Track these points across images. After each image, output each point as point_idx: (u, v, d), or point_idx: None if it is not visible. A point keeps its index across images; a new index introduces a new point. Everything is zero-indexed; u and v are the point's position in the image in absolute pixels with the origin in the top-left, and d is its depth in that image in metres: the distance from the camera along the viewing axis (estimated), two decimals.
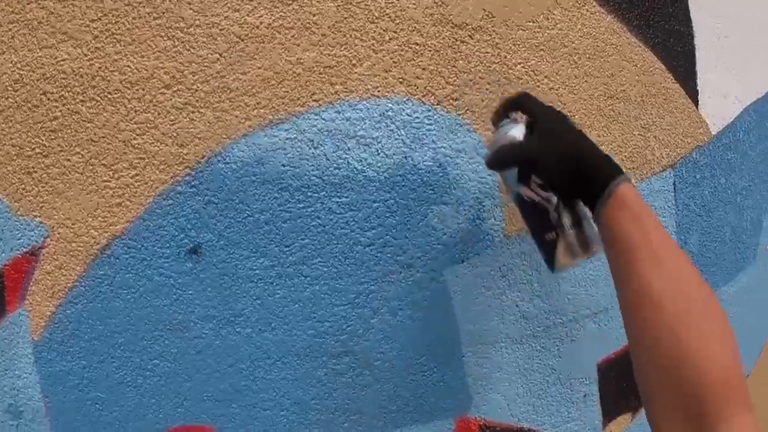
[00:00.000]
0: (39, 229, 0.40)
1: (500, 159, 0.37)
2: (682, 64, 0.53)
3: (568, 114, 0.39)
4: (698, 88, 0.53)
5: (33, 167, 0.40)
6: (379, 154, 0.40)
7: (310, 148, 0.39)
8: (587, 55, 0.46)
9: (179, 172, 0.38)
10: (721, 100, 0.54)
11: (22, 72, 0.39)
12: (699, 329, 0.28)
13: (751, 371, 0.65)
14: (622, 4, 0.48)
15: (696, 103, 0.53)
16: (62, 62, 0.39)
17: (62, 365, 0.41)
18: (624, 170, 0.33)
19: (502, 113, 0.38)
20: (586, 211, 0.36)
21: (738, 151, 0.55)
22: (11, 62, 0.39)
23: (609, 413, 0.54)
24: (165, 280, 0.39)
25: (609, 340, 0.51)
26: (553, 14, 0.45)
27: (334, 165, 0.39)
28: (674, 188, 0.52)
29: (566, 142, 0.34)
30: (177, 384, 0.41)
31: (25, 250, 0.41)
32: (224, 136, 0.38)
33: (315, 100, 0.39)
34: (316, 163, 0.39)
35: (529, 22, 0.44)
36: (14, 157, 0.40)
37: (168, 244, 0.39)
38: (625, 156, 0.49)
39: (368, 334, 0.42)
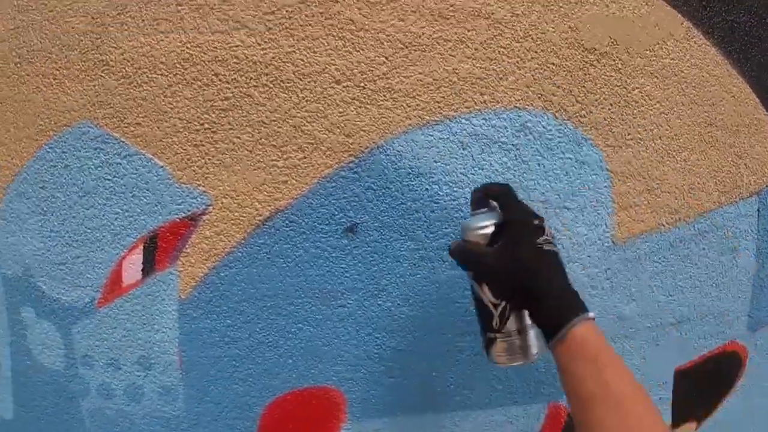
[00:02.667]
0: (201, 197, 0.51)
1: (460, 257, 0.40)
2: None
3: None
4: None
5: (201, 141, 0.50)
6: (517, 159, 0.51)
7: (459, 149, 0.50)
8: (693, 84, 0.58)
9: (344, 158, 0.49)
10: None
11: (191, 52, 0.49)
12: None
13: None
14: (724, 37, 0.59)
15: None
16: (235, 48, 0.49)
17: (206, 323, 0.52)
18: (584, 308, 0.36)
19: (482, 198, 0.41)
20: (532, 323, 0.39)
21: None
22: (179, 41, 0.49)
23: (677, 419, 0.66)
24: (320, 253, 0.50)
25: (688, 350, 0.63)
26: (667, 44, 0.56)
27: (479, 165, 0.51)
28: (758, 214, 0.64)
29: (527, 268, 0.37)
30: (315, 347, 0.52)
31: (184, 215, 0.52)
32: (386, 131, 0.50)
33: (466, 107, 0.50)
34: (463, 162, 0.50)
35: (647, 50, 0.55)
36: (180, 130, 0.51)
37: (327, 221, 0.50)
38: (718, 180, 0.61)
39: None
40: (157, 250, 0.51)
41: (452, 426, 0.56)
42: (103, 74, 0.49)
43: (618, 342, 0.58)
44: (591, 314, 0.37)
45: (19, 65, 0.50)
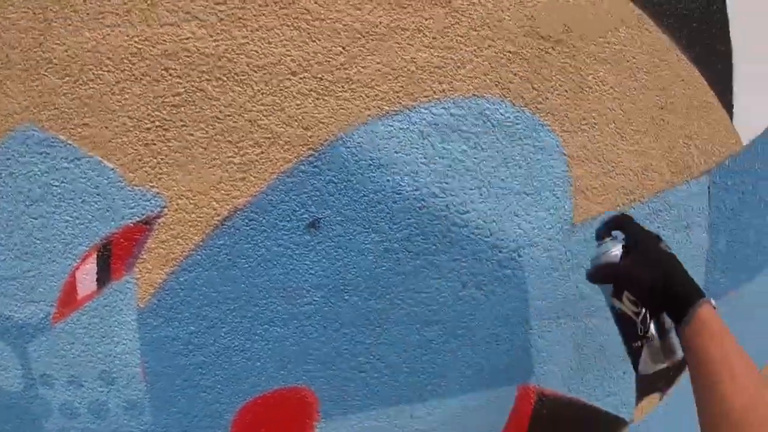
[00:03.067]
0: (155, 199, 0.49)
1: (599, 275, 0.48)
2: (720, 81, 0.68)
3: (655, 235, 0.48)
4: (732, 102, 0.69)
5: (152, 140, 0.48)
6: (476, 147, 0.52)
7: (419, 138, 0.50)
8: (644, 70, 0.60)
9: (303, 152, 0.49)
10: (751, 114, 0.70)
11: (140, 46, 0.47)
12: None
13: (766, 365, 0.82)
14: (674, 23, 0.62)
15: (731, 116, 0.69)
16: (185, 40, 0.47)
17: (168, 331, 0.50)
18: (705, 295, 0.43)
19: (605, 231, 0.49)
20: (672, 323, 0.46)
21: (764, 161, 0.72)
22: (127, 35, 0.47)
23: (642, 392, 0.69)
24: (283, 251, 0.49)
25: None
26: (619, 32, 0.58)
27: (439, 154, 0.51)
28: (708, 192, 0.67)
29: (657, 266, 0.45)
30: (284, 348, 0.51)
31: (138, 219, 0.49)
32: (346, 122, 0.49)
33: (425, 96, 0.50)
34: (424, 152, 0.50)
35: (600, 37, 0.57)
36: (130, 129, 0.48)
37: (288, 218, 0.49)
38: (671, 161, 0.64)
39: (456, 305, 0.54)
40: (112, 258, 0.49)
41: (425, 415, 0.57)
42: (46, 73, 0.45)
43: (581, 320, 0.60)
44: (712, 300, 0.44)
45: None
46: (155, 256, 0.49)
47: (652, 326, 0.46)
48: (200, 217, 0.48)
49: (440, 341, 0.54)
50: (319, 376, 0.52)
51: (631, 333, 0.48)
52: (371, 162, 0.50)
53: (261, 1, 0.46)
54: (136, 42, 0.45)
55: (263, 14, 0.46)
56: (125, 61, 0.46)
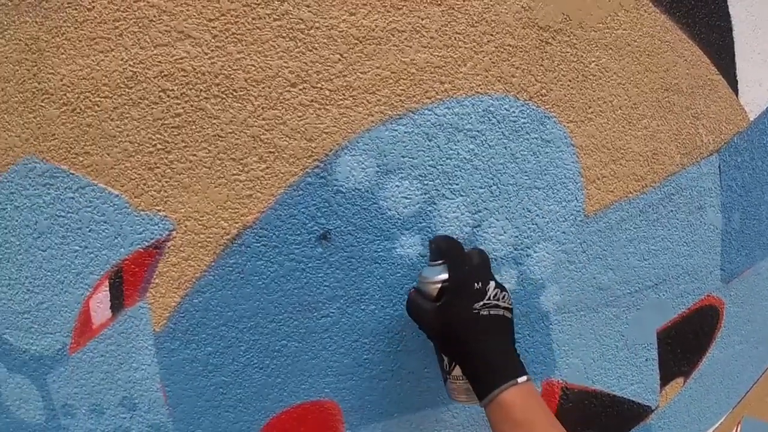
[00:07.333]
0: (163, 223, 0.47)
1: (408, 309, 0.42)
2: (723, 57, 0.65)
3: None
4: (737, 77, 0.66)
5: (155, 163, 0.47)
6: (483, 145, 0.50)
7: (425, 141, 0.48)
8: (647, 53, 0.58)
9: (309, 164, 0.47)
10: (756, 88, 0.67)
11: (135, 69, 0.45)
12: None
13: None
14: (672, 3, 0.59)
15: (736, 92, 0.66)
16: (181, 60, 0.45)
17: (186, 353, 0.49)
18: (519, 372, 0.37)
19: (435, 252, 0.42)
20: None
21: None
22: (121, 59, 0.45)
23: (665, 377, 0.67)
24: (296, 265, 0.47)
25: (667, 309, 0.63)
26: (618, 16, 0.56)
27: (446, 155, 0.49)
28: (719, 171, 0.64)
29: (456, 334, 0.38)
30: (303, 362, 0.49)
31: (147, 244, 0.48)
32: (349, 130, 0.47)
33: (428, 98, 0.48)
34: (431, 154, 0.48)
35: (599, 23, 0.54)
36: (132, 154, 0.47)
37: (299, 231, 0.47)
38: (679, 143, 0.62)
39: None
40: (124, 285, 0.47)
41: (450, 419, 0.55)
42: (43, 104, 0.44)
43: (600, 311, 0.58)
44: (522, 379, 0.38)
45: None
46: (167, 280, 0.47)
47: (457, 369, 0.41)
48: (210, 237, 0.47)
49: None
50: (341, 388, 0.51)
51: (440, 364, 0.43)
52: (378, 168, 0.48)
53: (254, 15, 0.44)
54: (131, 65, 0.44)
55: (257, 27, 0.44)
56: (121, 85, 0.44)
